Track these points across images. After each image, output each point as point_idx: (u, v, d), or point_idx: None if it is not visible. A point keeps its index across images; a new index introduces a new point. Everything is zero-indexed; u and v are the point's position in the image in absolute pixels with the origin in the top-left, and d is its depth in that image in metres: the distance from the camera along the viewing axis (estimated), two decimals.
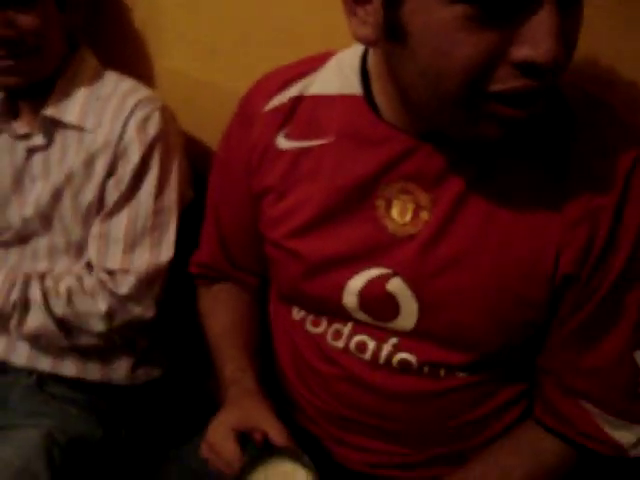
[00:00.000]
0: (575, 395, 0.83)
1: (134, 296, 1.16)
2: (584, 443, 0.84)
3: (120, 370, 1.26)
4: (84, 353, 1.23)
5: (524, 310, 0.80)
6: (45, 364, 1.22)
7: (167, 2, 1.29)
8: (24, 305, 1.17)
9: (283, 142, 0.89)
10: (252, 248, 1.01)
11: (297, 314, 0.96)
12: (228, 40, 1.24)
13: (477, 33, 0.61)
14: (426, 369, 0.87)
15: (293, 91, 0.90)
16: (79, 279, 1.18)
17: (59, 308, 1.16)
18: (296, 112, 0.89)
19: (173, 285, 1.25)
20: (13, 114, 1.24)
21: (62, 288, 1.17)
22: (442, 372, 0.87)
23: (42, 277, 1.19)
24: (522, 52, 0.61)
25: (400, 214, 0.82)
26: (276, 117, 0.90)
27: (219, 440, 0.84)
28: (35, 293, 1.17)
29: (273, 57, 0.98)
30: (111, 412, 1.26)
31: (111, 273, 1.16)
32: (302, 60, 0.94)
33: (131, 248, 1.15)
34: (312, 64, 0.91)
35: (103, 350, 1.24)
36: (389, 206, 0.82)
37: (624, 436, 0.83)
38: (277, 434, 0.82)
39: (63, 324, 1.17)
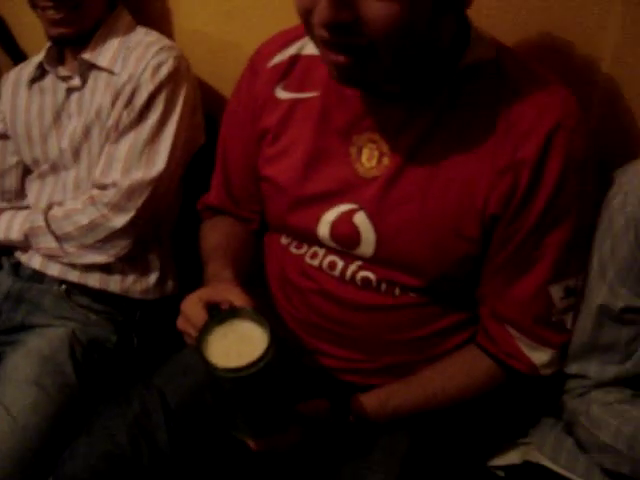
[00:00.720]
0: (502, 321, 0.99)
1: (115, 205, 1.33)
2: (506, 361, 1.00)
3: (137, 285, 1.45)
4: (106, 269, 1.42)
5: (461, 243, 0.95)
6: (73, 276, 1.42)
7: None
8: (34, 233, 1.40)
9: (281, 93, 1.06)
10: (252, 187, 1.17)
11: (284, 240, 1.13)
12: (242, 4, 1.41)
13: None
14: (383, 286, 1.02)
15: (292, 50, 1.06)
16: (77, 201, 1.38)
17: (59, 230, 1.38)
18: (293, 68, 1.05)
19: (187, 218, 1.44)
20: (59, 60, 1.45)
21: (62, 212, 1.38)
22: (397, 290, 1.02)
23: (49, 207, 1.41)
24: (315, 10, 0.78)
25: (368, 159, 0.98)
26: (277, 72, 1.06)
27: (189, 308, 0.94)
28: (39, 221, 1.39)
29: (282, 21, 1.12)
30: (126, 322, 1.45)
31: (103, 187, 1.35)
32: (301, 24, 1.10)
33: (128, 167, 1.33)
34: None
35: (122, 268, 1.43)
36: (359, 153, 0.99)
37: (539, 357, 0.99)
38: (240, 300, 0.90)
39: (65, 243, 1.38)
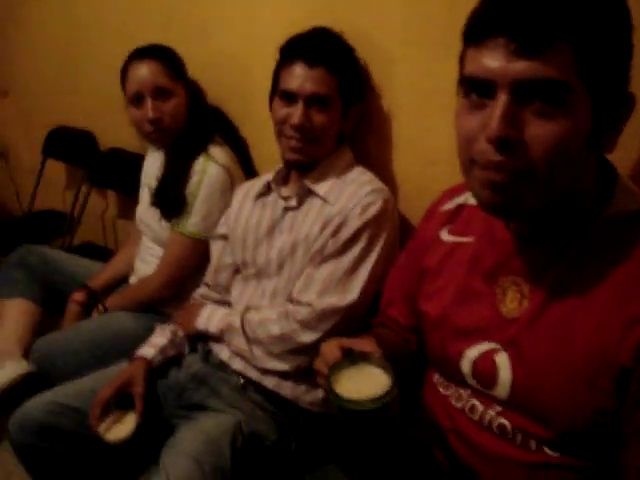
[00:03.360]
0: None
1: (306, 323, 1.46)
2: None
3: (307, 396, 1.54)
4: (283, 375, 1.53)
5: (594, 395, 0.90)
6: (253, 374, 1.56)
7: (405, 120, 1.64)
8: (229, 330, 1.57)
9: (445, 235, 1.18)
10: (408, 315, 1.28)
11: (435, 378, 1.18)
12: (444, 154, 1.53)
13: (470, 117, 0.89)
14: (519, 437, 1.00)
15: (460, 199, 1.19)
16: (272, 311, 1.53)
17: (251, 333, 1.53)
18: (458, 215, 1.17)
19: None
20: (285, 182, 1.66)
21: (257, 318, 1.54)
22: (533, 444, 0.99)
23: (246, 310, 1.58)
24: (485, 132, 0.85)
25: (511, 301, 1.02)
26: (445, 216, 1.19)
27: (327, 350, 1.03)
28: (236, 322, 1.56)
29: None
30: (289, 425, 1.54)
31: (299, 303, 1.48)
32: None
33: (324, 291, 1.46)
34: None
35: (297, 377, 1.53)
36: (504, 294, 1.03)
37: None
38: (372, 348, 1.00)
39: (254, 345, 1.52)
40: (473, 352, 1.05)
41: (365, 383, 0.91)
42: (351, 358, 0.96)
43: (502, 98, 0.84)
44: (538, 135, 0.83)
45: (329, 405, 0.92)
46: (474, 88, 0.88)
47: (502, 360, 1.01)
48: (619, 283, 0.91)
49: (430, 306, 1.16)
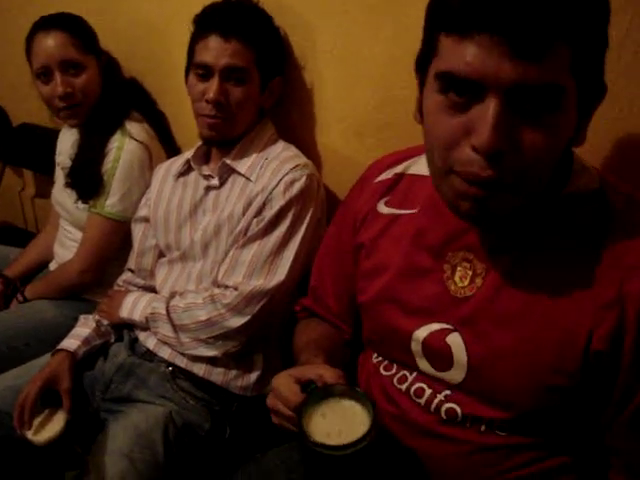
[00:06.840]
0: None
1: (233, 307, 1.41)
2: None
3: (238, 381, 1.50)
4: (212, 360, 1.49)
5: (556, 376, 0.88)
6: (181, 361, 1.50)
7: (330, 92, 1.57)
8: (154, 318, 1.50)
9: (383, 207, 1.10)
10: (344, 298, 1.21)
11: (375, 359, 1.13)
12: (372, 126, 1.50)
13: (449, 117, 0.79)
14: (469, 422, 0.98)
15: (398, 169, 1.11)
16: (198, 295, 1.47)
17: (178, 321, 1.47)
18: (397, 185, 1.10)
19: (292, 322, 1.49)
20: (206, 159, 1.59)
21: (183, 304, 1.48)
22: (482, 427, 0.97)
23: (171, 296, 1.52)
24: (471, 139, 0.77)
25: (461, 278, 0.97)
26: (381, 187, 1.11)
27: (282, 384, 0.93)
28: (161, 309, 1.50)
29: (406, 143, 1.18)
30: (222, 412, 1.50)
31: (225, 287, 1.43)
32: (412, 147, 1.13)
33: (250, 273, 1.41)
34: (418, 150, 1.08)
35: (227, 362, 1.49)
36: (453, 271, 0.98)
37: None
38: (331, 373, 0.90)
39: (181, 333, 1.47)
40: (422, 333, 1.00)
41: (342, 421, 0.83)
42: (317, 394, 0.86)
43: (493, 104, 0.74)
44: (531, 143, 0.76)
45: (302, 449, 0.84)
46: (453, 85, 0.78)
47: (455, 341, 0.97)
48: (588, 266, 0.87)
49: (369, 284, 1.09)
